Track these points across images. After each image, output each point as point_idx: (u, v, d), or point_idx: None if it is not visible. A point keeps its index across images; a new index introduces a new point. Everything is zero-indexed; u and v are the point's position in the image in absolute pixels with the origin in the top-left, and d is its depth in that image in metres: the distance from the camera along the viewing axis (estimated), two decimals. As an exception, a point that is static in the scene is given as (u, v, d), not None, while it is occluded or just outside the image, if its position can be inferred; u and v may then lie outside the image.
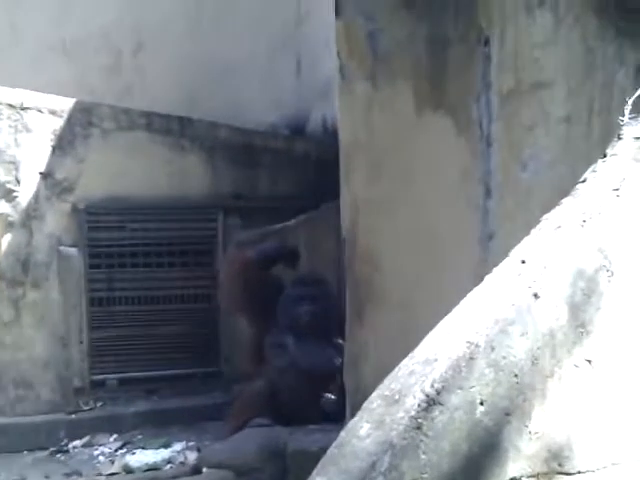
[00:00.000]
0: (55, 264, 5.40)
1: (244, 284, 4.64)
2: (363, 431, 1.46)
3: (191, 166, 5.88)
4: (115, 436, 4.98)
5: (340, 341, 4.42)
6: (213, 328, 5.95)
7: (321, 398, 4.25)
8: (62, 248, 5.45)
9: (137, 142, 5.69)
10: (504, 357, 1.55)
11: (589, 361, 1.65)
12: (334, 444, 1.47)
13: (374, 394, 1.57)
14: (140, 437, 4.91)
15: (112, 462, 4.25)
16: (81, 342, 5.56)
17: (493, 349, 1.54)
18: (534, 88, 3.11)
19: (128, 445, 4.72)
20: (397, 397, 1.49)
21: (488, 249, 3.39)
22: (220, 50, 6.73)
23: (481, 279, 3.50)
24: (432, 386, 1.47)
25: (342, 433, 1.50)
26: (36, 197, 5.35)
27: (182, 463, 3.99)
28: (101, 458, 4.54)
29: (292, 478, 3.51)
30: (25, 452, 4.83)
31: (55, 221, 5.44)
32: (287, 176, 6.14)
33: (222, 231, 5.97)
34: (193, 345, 5.89)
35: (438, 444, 1.44)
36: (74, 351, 5.53)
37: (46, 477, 4.16)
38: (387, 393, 1.52)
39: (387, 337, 3.71)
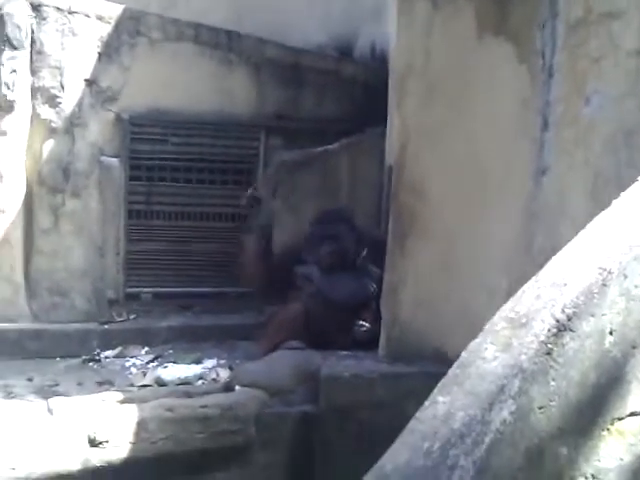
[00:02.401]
0: (96, 174, 5.35)
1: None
2: (488, 353, 1.43)
3: (236, 82, 5.75)
4: (147, 349, 5.00)
5: (375, 269, 4.38)
6: (250, 248, 5.90)
7: (354, 326, 4.22)
8: (103, 158, 5.39)
9: (184, 54, 5.55)
10: (636, 286, 1.49)
11: None
12: (456, 364, 1.46)
13: (497, 316, 1.54)
14: (171, 352, 4.93)
15: (144, 374, 4.26)
16: (117, 254, 5.55)
17: (626, 277, 1.49)
18: (604, 18, 2.95)
19: (160, 359, 4.74)
20: (524, 320, 1.46)
21: (541, 184, 3.28)
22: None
23: (531, 216, 3.41)
24: (563, 311, 1.43)
25: (463, 354, 1.48)
26: (80, 104, 5.25)
27: (214, 380, 3.99)
28: (133, 370, 4.56)
29: (324, 402, 3.49)
30: (58, 358, 4.86)
31: (98, 130, 5.37)
32: (333, 98, 5.99)
33: (264, 151, 5.87)
34: (228, 264, 5.86)
35: (567, 372, 1.42)
36: (110, 262, 5.52)
37: (79, 384, 4.19)
38: (512, 316, 1.48)
39: (428, 269, 3.65)
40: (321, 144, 5.79)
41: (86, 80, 5.29)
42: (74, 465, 3.04)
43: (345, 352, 3.85)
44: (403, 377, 3.53)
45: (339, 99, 5.99)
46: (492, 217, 3.43)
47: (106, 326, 5.23)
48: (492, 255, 3.42)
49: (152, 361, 4.69)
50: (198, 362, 4.44)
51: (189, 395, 3.55)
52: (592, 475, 1.41)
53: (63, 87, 5.20)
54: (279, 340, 4.17)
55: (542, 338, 1.39)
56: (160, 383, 4.00)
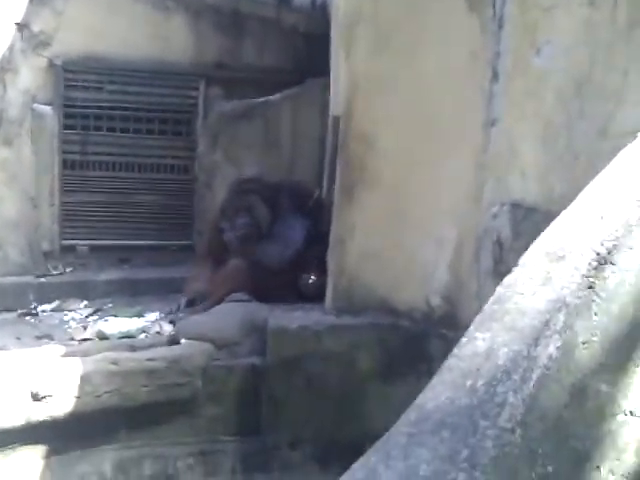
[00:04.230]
0: (28, 122, 5.15)
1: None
2: (527, 288, 1.40)
3: (174, 29, 5.59)
4: (85, 302, 4.89)
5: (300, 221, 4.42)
6: (188, 200, 5.81)
7: (299, 280, 4.19)
8: (36, 105, 5.20)
9: (119, -2, 5.37)
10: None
11: None
12: (491, 300, 1.42)
13: (532, 250, 1.51)
14: (111, 305, 4.82)
15: (84, 328, 4.16)
16: (52, 205, 5.39)
17: (663, 210, 1.46)
18: (554, -34, 2.92)
19: (99, 312, 4.63)
20: (562, 254, 1.43)
21: (490, 136, 3.27)
22: None
23: (481, 167, 3.41)
24: (602, 244, 1.40)
25: (499, 289, 1.43)
26: (11, 49, 5.02)
27: (158, 333, 3.92)
28: (72, 323, 4.44)
29: (271, 354, 3.46)
30: (-7, 312, 4.73)
31: (30, 76, 5.16)
32: (273, 48, 5.89)
33: (203, 101, 5.75)
34: (167, 216, 5.76)
35: (609, 306, 1.40)
36: (45, 214, 5.36)
37: (17, 338, 4.07)
38: (549, 249, 1.44)
39: (376, 219, 3.62)
40: (262, 95, 5.71)
41: (17, 24, 5.06)
42: (17, 421, 2.96)
43: (292, 304, 3.82)
44: (350, 329, 3.53)
45: (280, 49, 5.89)
46: (442, 168, 3.42)
47: (42, 279, 5.09)
48: (442, 206, 3.41)
49: (92, 315, 4.59)
50: (140, 315, 4.35)
51: (133, 349, 3.48)
52: (630, 412, 1.40)
53: (-7, 31, 4.97)
54: (224, 293, 4.11)
55: (583, 271, 1.38)
56: (102, 337, 3.90)
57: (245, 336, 3.54)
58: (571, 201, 2.70)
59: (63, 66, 5.28)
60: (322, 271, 3.94)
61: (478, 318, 1.43)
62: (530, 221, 2.85)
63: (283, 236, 4.44)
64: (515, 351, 1.34)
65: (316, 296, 3.91)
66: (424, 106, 3.48)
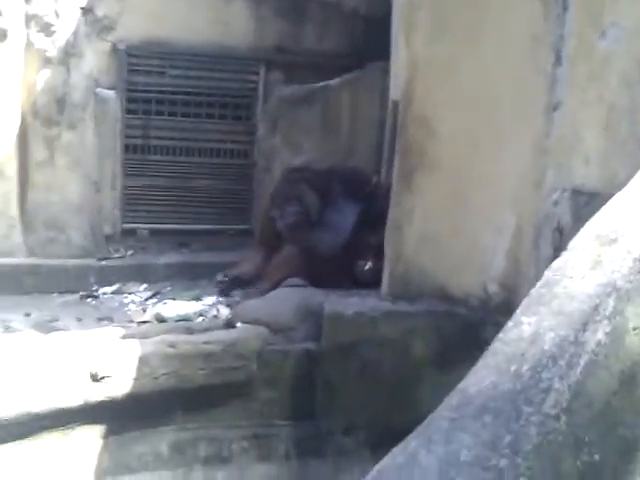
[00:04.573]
0: (91, 106, 5.23)
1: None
2: (576, 271, 1.37)
3: (235, 13, 5.62)
4: (145, 286, 4.96)
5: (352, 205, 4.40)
6: (247, 185, 5.84)
7: (355, 266, 4.17)
8: (99, 90, 5.28)
9: (182, -17, 5.40)
10: None
11: None
12: (539, 284, 1.39)
13: (582, 233, 1.48)
14: (170, 289, 4.88)
15: (144, 311, 4.22)
16: (114, 189, 5.48)
17: None
18: (622, -53, 2.83)
19: (158, 295, 4.70)
20: (613, 237, 1.39)
21: (552, 120, 3.20)
22: None
23: (542, 152, 3.34)
24: None
25: (547, 272, 1.41)
26: (75, 34, 5.10)
27: (215, 316, 3.95)
28: (132, 306, 4.52)
29: (326, 339, 3.45)
30: (55, 294, 4.82)
31: (94, 61, 5.24)
32: (334, 32, 5.87)
33: (263, 85, 5.76)
34: (226, 201, 5.80)
35: None
36: (107, 197, 5.46)
37: (78, 319, 4.15)
38: (600, 233, 1.41)
39: (435, 205, 3.58)
40: (322, 79, 5.69)
41: (82, 8, 5.14)
42: (76, 401, 3.00)
43: (348, 290, 3.80)
44: (406, 315, 3.49)
45: (340, 33, 5.87)
46: (502, 153, 3.35)
47: (103, 262, 5.18)
48: (502, 192, 3.35)
49: (151, 298, 4.66)
50: (197, 299, 4.39)
51: (190, 331, 3.51)
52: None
53: (58, 15, 5.04)
54: (280, 277, 4.12)
55: (636, 255, 1.33)
56: (160, 319, 3.95)
57: (300, 321, 3.53)
58: (635, 187, 2.63)
59: (126, 50, 5.36)
60: (378, 257, 3.92)
61: (525, 302, 1.39)
62: (592, 207, 2.75)
63: (334, 223, 4.42)
64: (562, 336, 1.30)
65: (372, 282, 3.89)
66: (485, 90, 3.41)
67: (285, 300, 3.70)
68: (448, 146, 3.50)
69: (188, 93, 5.58)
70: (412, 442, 1.28)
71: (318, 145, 5.53)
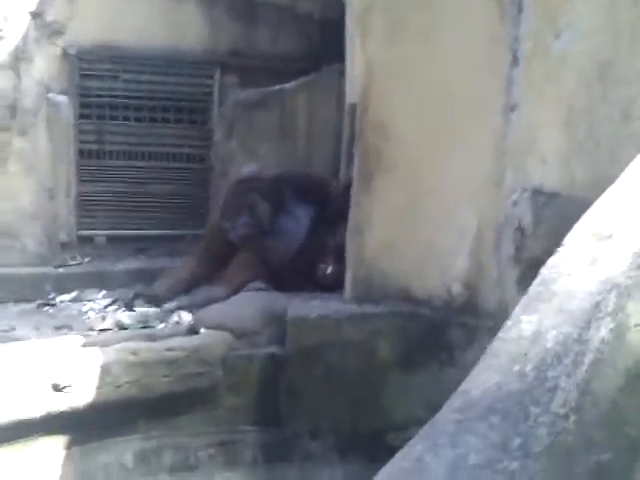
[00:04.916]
0: (44, 112, 5.15)
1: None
2: (574, 268, 1.35)
3: (189, 17, 5.58)
4: (104, 292, 4.90)
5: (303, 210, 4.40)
6: (204, 190, 5.81)
7: (316, 270, 4.16)
8: (51, 95, 5.20)
9: (133, -14, 5.35)
10: None
11: None
12: (536, 282, 1.36)
13: (576, 230, 1.47)
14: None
15: (103, 318, 4.17)
16: (69, 195, 5.40)
17: None
18: (574, -52, 2.88)
19: (118, 302, 4.64)
20: (609, 233, 1.38)
21: (510, 121, 3.24)
22: None
23: (501, 153, 3.38)
24: None
25: (544, 270, 1.39)
26: (25, 38, 5.03)
27: (177, 322, 3.92)
28: (91, 314, 4.46)
29: (291, 343, 3.45)
30: (10, 303, 4.74)
31: (45, 66, 5.16)
32: (289, 35, 5.87)
33: (218, 89, 5.73)
34: (183, 206, 5.76)
35: None
36: (61, 204, 5.37)
37: (36, 328, 4.08)
38: (595, 229, 1.40)
39: (395, 208, 3.59)
40: (277, 82, 5.68)
41: (31, 13, 5.06)
42: (38, 411, 2.96)
43: (310, 294, 3.80)
44: (370, 317, 3.50)
45: (295, 36, 5.87)
46: (461, 155, 3.38)
47: (60, 270, 5.10)
48: (461, 194, 3.38)
49: (110, 305, 4.59)
50: (158, 305, 4.34)
51: (152, 338, 3.47)
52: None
53: (7, 19, 4.96)
54: (240, 282, 4.09)
55: (635, 250, 1.33)
56: (121, 327, 3.90)
57: (264, 325, 3.52)
58: (594, 186, 2.67)
59: (77, 55, 5.28)
60: (339, 260, 3.92)
61: (523, 300, 1.38)
62: (552, 207, 2.81)
63: (287, 229, 4.41)
64: (565, 334, 1.29)
65: (334, 286, 3.89)
66: (442, 92, 3.44)
67: (248, 304, 3.69)
68: (405, 149, 3.52)
69: (142, 97, 5.53)
70: (417, 446, 1.26)
71: (275, 148, 5.52)
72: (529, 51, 3.14)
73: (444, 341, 3.35)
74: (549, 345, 1.29)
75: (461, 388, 1.33)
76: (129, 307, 4.24)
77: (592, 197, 2.62)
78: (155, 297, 4.34)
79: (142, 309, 4.20)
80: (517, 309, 1.37)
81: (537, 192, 2.91)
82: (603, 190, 2.61)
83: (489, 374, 1.32)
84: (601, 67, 2.73)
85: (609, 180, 2.60)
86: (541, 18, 3.05)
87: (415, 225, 3.53)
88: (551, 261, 1.42)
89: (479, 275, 3.31)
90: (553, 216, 2.78)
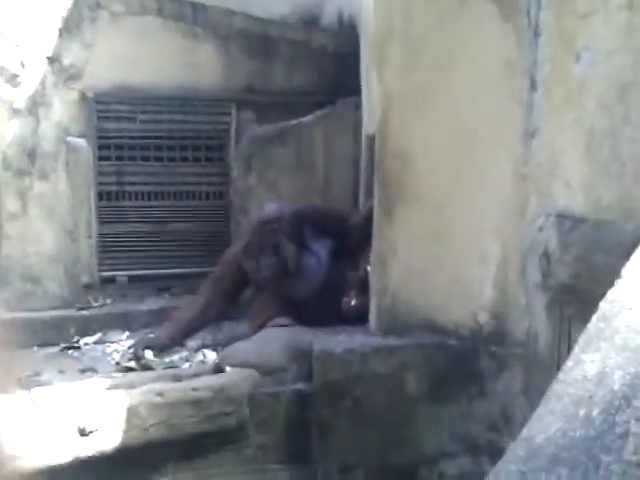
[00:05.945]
0: (63, 155, 5.18)
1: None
2: (635, 302, 1.28)
3: (204, 56, 5.60)
4: (127, 333, 4.88)
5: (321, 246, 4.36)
6: (224, 226, 5.79)
7: (339, 304, 4.13)
8: (70, 138, 5.22)
9: (148, 28, 5.38)
10: None
11: None
12: (596, 317, 1.28)
13: (633, 260, 1.39)
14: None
15: (128, 359, 4.15)
16: (90, 237, 5.40)
17: None
18: (589, -28, 2.87)
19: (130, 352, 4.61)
20: None
21: (530, 147, 3.22)
22: None
23: (522, 179, 3.35)
24: None
25: (603, 304, 1.31)
26: (42, 83, 5.06)
27: (202, 361, 3.89)
28: (115, 355, 4.44)
29: (317, 379, 3.40)
30: (35, 348, 4.72)
31: (63, 109, 5.19)
32: (303, 70, 5.87)
33: (235, 125, 5.74)
34: (204, 243, 5.75)
35: None
36: (83, 246, 5.37)
37: (60, 372, 4.06)
38: None
39: (418, 237, 3.56)
40: (293, 117, 5.69)
41: (48, 58, 5.10)
42: (65, 457, 2.93)
43: (335, 328, 3.76)
44: (396, 350, 3.45)
45: (310, 70, 5.88)
46: (482, 182, 3.35)
47: (83, 312, 5.09)
48: (484, 221, 3.34)
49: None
50: (182, 344, 4.32)
51: (178, 378, 3.45)
52: None
53: (24, 65, 5.00)
54: (265, 318, 4.07)
55: None
56: (146, 367, 3.88)
57: (290, 361, 3.48)
58: (620, 209, 2.63)
59: (95, 98, 5.31)
60: (362, 292, 3.89)
61: (583, 338, 1.30)
62: (578, 231, 2.77)
63: (308, 265, 4.39)
64: (632, 374, 1.21)
65: (358, 318, 3.85)
66: (460, 120, 3.42)
67: (273, 340, 3.65)
68: (427, 178, 3.49)
69: (160, 137, 5.55)
70: (482, 499, 1.19)
71: (293, 182, 5.52)
72: (548, 75, 3.13)
73: (473, 371, 3.29)
74: (616, 387, 1.21)
75: (522, 435, 1.24)
76: (138, 360, 4.15)
77: (619, 220, 2.58)
78: (162, 345, 4.29)
79: (152, 358, 4.14)
80: (577, 348, 1.29)
81: (562, 217, 2.87)
82: (630, 212, 2.57)
83: (552, 419, 1.24)
84: (622, 89, 2.70)
85: (636, 201, 2.57)
86: (559, 42, 3.04)
87: (439, 254, 3.49)
88: (610, 294, 1.35)
89: (506, 303, 3.26)
90: (580, 240, 2.73)
